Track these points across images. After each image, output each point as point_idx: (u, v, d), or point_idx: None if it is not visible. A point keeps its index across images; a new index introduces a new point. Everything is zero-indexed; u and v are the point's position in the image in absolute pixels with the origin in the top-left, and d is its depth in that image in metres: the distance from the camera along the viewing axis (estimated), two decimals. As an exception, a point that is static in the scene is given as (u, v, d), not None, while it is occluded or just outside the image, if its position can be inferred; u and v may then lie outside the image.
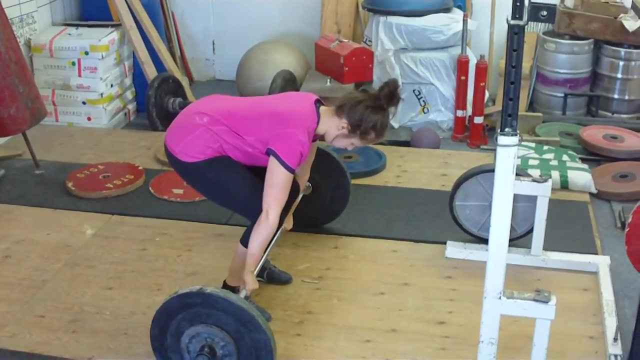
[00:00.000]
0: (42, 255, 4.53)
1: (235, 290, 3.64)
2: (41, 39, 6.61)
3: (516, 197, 3.67)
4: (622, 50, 6.65)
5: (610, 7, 6.62)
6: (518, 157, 2.90)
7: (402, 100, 3.81)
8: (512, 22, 2.75)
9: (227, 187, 3.69)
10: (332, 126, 3.69)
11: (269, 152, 3.55)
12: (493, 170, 2.90)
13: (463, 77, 6.38)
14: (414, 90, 6.61)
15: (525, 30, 2.78)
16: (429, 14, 6.51)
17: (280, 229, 3.83)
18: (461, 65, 6.38)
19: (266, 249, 3.65)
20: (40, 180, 5.58)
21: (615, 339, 3.58)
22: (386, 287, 4.18)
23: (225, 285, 3.87)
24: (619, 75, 6.73)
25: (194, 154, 3.62)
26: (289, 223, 4.08)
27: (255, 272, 3.55)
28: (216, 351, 3.20)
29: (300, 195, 4.18)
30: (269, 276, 4.16)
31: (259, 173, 3.64)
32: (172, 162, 3.76)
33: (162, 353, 3.33)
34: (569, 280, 4.21)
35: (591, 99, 6.95)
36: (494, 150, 2.92)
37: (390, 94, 3.64)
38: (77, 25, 6.93)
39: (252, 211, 3.61)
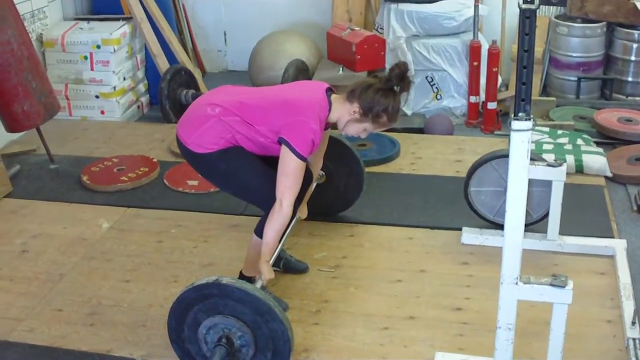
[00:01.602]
0: (58, 249, 4.55)
1: (251, 280, 3.65)
2: (53, 34, 6.62)
3: (531, 182, 3.66)
4: (636, 33, 6.62)
5: (622, -11, 6.59)
6: (532, 142, 2.89)
7: (413, 84, 3.80)
8: (524, 6, 2.74)
9: (240, 177, 3.70)
10: (344, 112, 3.69)
11: (280, 141, 3.55)
12: (507, 156, 2.90)
13: (475, 63, 6.36)
14: (426, 77, 6.60)
15: (537, 14, 2.76)
16: (440, 0, 6.48)
17: (295, 218, 3.83)
18: (473, 51, 6.36)
19: (281, 238, 3.66)
20: (55, 174, 5.60)
21: (633, 323, 3.57)
22: (403, 274, 4.18)
23: (242, 276, 3.88)
24: (633, 58, 6.70)
25: (207, 145, 3.63)
26: (303, 212, 4.09)
27: (271, 262, 3.56)
28: (233, 341, 3.21)
29: (314, 184, 4.18)
30: (285, 266, 4.17)
31: (272, 163, 3.65)
32: (185, 153, 3.77)
33: (180, 344, 3.34)
34: (586, 265, 4.20)
35: (605, 82, 6.92)
36: (508, 135, 2.91)
37: (400, 75, 3.62)
38: (89, 19, 6.94)
39: (265, 201, 3.62)
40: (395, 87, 3.65)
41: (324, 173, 4.37)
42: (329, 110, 3.68)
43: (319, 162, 4.18)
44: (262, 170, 3.70)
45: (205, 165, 3.74)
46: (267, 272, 3.47)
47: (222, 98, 3.74)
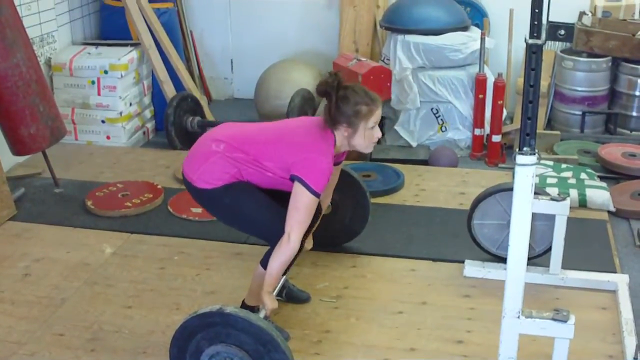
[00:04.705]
0: (61, 273, 4.55)
1: (254, 310, 3.65)
2: (61, 58, 6.66)
3: (534, 216, 3.66)
4: (641, 68, 6.65)
5: (628, 24, 6.62)
6: (536, 176, 2.90)
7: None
8: (530, 41, 2.76)
9: (245, 211, 3.69)
10: (342, 138, 3.69)
11: (293, 178, 3.54)
12: (511, 189, 2.91)
13: (481, 96, 6.38)
14: (432, 109, 6.62)
15: (543, 48, 2.78)
16: (446, 32, 6.51)
17: (302, 251, 3.84)
18: (479, 84, 6.38)
19: (286, 270, 3.66)
20: (60, 198, 5.61)
21: (635, 358, 3.56)
22: (404, 306, 4.17)
23: (244, 305, 3.87)
24: (637, 93, 6.71)
25: (211, 180, 3.64)
26: (309, 243, 4.10)
27: (275, 293, 3.56)
28: None
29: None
30: (288, 295, 4.17)
31: (277, 196, 3.66)
32: (190, 189, 3.77)
33: None
34: (588, 299, 4.19)
35: (609, 117, 6.93)
36: (512, 168, 2.92)
37: (331, 76, 3.63)
38: (97, 45, 6.98)
39: (271, 235, 3.62)
40: (340, 85, 3.63)
41: (330, 204, 4.38)
42: (335, 141, 3.70)
43: (328, 197, 4.20)
44: (267, 204, 3.69)
45: (210, 200, 3.74)
46: (269, 303, 3.47)
47: (226, 134, 3.75)
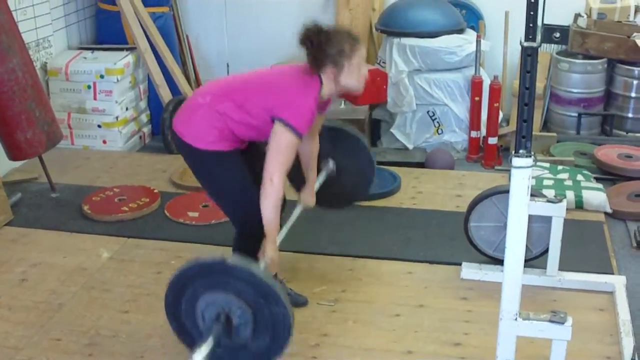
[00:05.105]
0: (58, 278, 4.55)
1: None
2: (57, 63, 6.66)
3: (531, 218, 3.66)
4: (636, 69, 6.66)
5: (623, 26, 6.63)
6: (532, 178, 2.90)
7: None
8: (526, 44, 2.77)
9: (231, 187, 3.73)
10: (329, 82, 3.67)
11: (275, 119, 3.53)
12: (508, 191, 2.91)
13: (477, 98, 6.39)
14: (428, 112, 6.62)
15: (539, 50, 2.79)
16: (442, 35, 6.52)
17: (301, 208, 3.88)
18: (475, 86, 6.39)
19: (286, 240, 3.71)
20: (56, 203, 5.60)
21: (632, 359, 3.58)
22: (402, 308, 4.17)
23: None
24: (633, 94, 6.73)
25: (201, 136, 3.64)
26: (311, 201, 4.10)
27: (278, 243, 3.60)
28: (232, 320, 3.14)
29: (324, 173, 4.21)
30: (285, 299, 4.18)
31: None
32: (180, 148, 3.77)
33: (176, 318, 3.31)
34: (585, 301, 4.20)
35: (605, 118, 6.94)
36: (509, 170, 2.92)
37: (311, 25, 3.68)
38: (93, 49, 6.99)
39: (242, 219, 3.71)
40: (322, 32, 3.64)
41: (334, 168, 4.34)
42: (321, 85, 3.67)
43: (313, 144, 4.11)
44: (253, 189, 3.65)
45: (202, 164, 3.74)
46: (270, 252, 3.48)
47: (213, 86, 3.79)
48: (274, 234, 3.56)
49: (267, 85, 3.67)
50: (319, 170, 4.22)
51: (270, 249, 3.50)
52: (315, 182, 4.14)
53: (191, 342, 3.27)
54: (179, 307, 3.26)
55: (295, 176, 4.12)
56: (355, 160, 4.43)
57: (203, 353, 3.03)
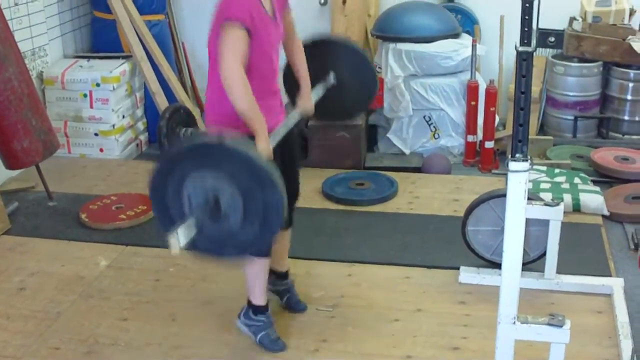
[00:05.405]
0: (56, 287, 4.55)
1: (260, 309, 3.81)
2: (53, 72, 6.66)
3: (528, 221, 3.67)
4: (632, 72, 6.66)
5: (618, 29, 6.64)
6: (529, 181, 2.91)
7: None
8: (521, 48, 2.77)
9: None
10: None
11: (215, 31, 3.48)
12: (505, 195, 2.91)
13: (473, 102, 6.39)
14: (424, 116, 6.62)
15: (534, 54, 2.79)
16: (438, 40, 6.52)
17: (298, 113, 3.85)
18: (471, 91, 6.39)
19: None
20: (54, 212, 5.60)
21: (631, 362, 3.58)
22: (400, 313, 4.18)
23: (250, 304, 3.89)
24: (629, 97, 6.73)
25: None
26: (309, 107, 3.97)
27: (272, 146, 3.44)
28: (220, 202, 2.94)
29: (323, 87, 4.14)
30: (288, 301, 4.19)
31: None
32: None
33: (160, 203, 3.08)
34: (583, 303, 4.20)
35: (601, 121, 6.95)
36: (506, 174, 2.93)
37: None
38: (89, 58, 6.99)
39: None
40: None
41: (335, 81, 4.25)
42: None
43: (296, 50, 4.04)
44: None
45: None
46: (263, 143, 3.35)
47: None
48: (259, 126, 3.38)
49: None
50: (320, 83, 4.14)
51: (264, 146, 3.34)
52: (309, 87, 3.98)
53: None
54: (165, 190, 3.03)
55: (290, 88, 4.08)
56: (358, 76, 4.32)
57: (185, 231, 2.88)
